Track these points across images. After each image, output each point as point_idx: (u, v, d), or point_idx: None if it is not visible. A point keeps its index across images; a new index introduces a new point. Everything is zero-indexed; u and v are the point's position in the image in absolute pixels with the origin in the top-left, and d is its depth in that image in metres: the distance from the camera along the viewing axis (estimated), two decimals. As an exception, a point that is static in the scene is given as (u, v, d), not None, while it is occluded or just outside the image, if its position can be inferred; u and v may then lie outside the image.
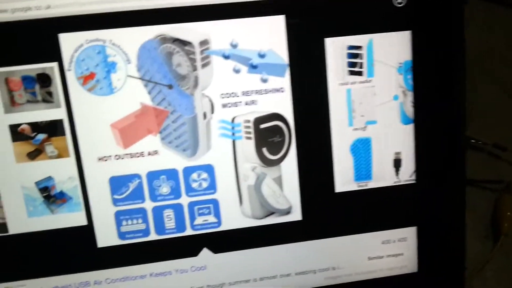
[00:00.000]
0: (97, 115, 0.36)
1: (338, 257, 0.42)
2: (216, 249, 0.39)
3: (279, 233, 0.40)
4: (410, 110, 0.40)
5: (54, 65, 0.35)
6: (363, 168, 0.40)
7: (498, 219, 0.53)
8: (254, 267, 0.40)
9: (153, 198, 0.38)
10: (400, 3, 0.38)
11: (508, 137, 0.62)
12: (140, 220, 0.38)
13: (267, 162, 0.38)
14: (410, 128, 0.40)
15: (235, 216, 0.39)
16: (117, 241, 0.38)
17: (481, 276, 0.51)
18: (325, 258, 0.41)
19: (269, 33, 0.37)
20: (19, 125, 0.35)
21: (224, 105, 0.37)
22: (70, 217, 0.37)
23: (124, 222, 0.38)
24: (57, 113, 0.35)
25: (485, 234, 0.54)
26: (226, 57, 0.36)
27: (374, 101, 0.39)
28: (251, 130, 0.38)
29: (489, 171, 0.60)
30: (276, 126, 0.38)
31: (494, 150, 0.60)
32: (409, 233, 0.42)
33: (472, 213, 0.56)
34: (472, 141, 0.58)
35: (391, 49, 0.39)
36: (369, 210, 0.41)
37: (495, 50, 0.68)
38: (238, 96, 0.37)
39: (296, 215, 0.40)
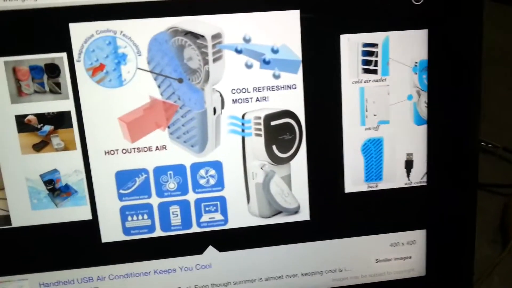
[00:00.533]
0: (105, 107, 0.36)
1: (345, 259, 0.42)
2: (221, 248, 0.40)
3: (286, 233, 0.40)
4: (423, 111, 0.40)
5: (63, 55, 0.35)
6: (373, 169, 0.41)
7: (507, 223, 0.54)
8: (260, 267, 0.41)
9: (160, 193, 0.38)
10: (418, 1, 0.38)
11: None
12: (145, 216, 0.38)
13: (276, 160, 0.39)
14: (423, 129, 0.41)
15: (242, 214, 0.40)
16: (122, 237, 0.38)
17: (489, 281, 0.52)
18: (332, 259, 0.42)
19: (283, 28, 0.37)
20: (25, 116, 0.35)
21: (235, 101, 0.38)
22: (75, 211, 0.37)
23: (129, 218, 0.38)
24: (65, 104, 0.36)
25: (494, 238, 0.55)
26: (239, 51, 0.37)
27: (387, 101, 0.40)
28: (261, 127, 0.38)
29: (498, 174, 0.61)
30: (287, 124, 0.39)
31: (504, 153, 0.61)
32: (418, 236, 0.43)
33: (481, 217, 0.56)
34: (483, 144, 0.59)
35: (407, 47, 0.39)
36: (379, 212, 0.42)
37: (507, 52, 0.69)
38: (249, 92, 0.38)
39: (304, 215, 0.41)
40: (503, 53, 0.67)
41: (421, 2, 0.38)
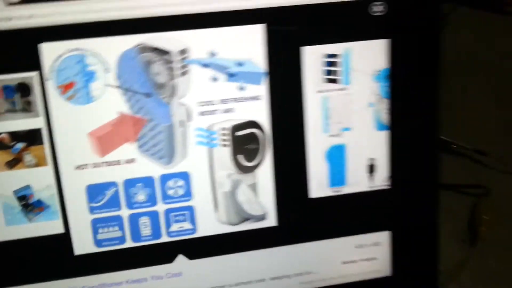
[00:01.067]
0: (75, 124, 0.42)
1: (312, 262, 0.48)
2: (191, 256, 0.46)
3: (254, 238, 0.47)
4: (385, 117, 0.49)
5: (35, 74, 0.41)
6: (337, 174, 0.49)
7: (476, 223, 0.61)
8: (230, 273, 0.47)
9: (129, 205, 0.45)
10: (375, 12, 0.47)
11: (490, 142, 0.74)
12: (116, 228, 0.46)
13: (242, 169, 0.47)
14: (384, 135, 0.48)
15: (210, 223, 0.46)
16: (94, 249, 0.44)
17: (457, 280, 0.57)
18: (299, 263, 0.48)
19: (248, 42, 0.44)
20: (-2, 134, 0.41)
21: (201, 113, 0.45)
22: (48, 225, 0.43)
23: (100, 230, 0.45)
24: (36, 122, 0.41)
25: (463, 238, 0.61)
26: (205, 65, 0.45)
27: (350, 108, 0.48)
28: (227, 137, 0.46)
29: (469, 176, 0.67)
30: (252, 134, 0.47)
31: (475, 155, 0.71)
32: (383, 238, 0.50)
33: (451, 217, 0.63)
34: (453, 146, 0.69)
35: (368, 57, 0.45)
36: (344, 215, 0.48)
37: (485, 57, 0.79)
38: (215, 104, 0.45)
39: (271, 221, 0.47)
40: (481, 58, 0.77)
41: (379, 13, 0.47)
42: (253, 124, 0.45)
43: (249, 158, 0.45)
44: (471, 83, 0.77)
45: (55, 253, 0.44)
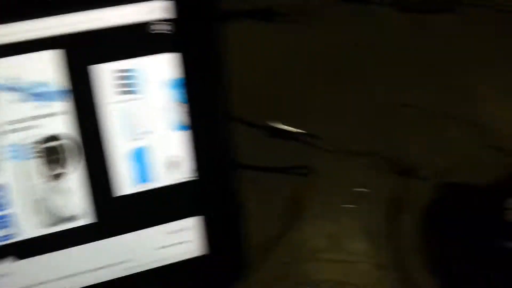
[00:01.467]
0: None
1: (132, 250, 0.59)
2: (19, 256, 0.56)
3: (75, 236, 0.57)
4: (183, 119, 0.64)
5: None
6: (144, 172, 0.59)
7: (297, 200, 0.76)
8: (58, 268, 0.57)
9: None
10: (160, 31, 0.62)
11: (319, 125, 0.89)
12: None
13: (54, 178, 0.61)
14: (184, 134, 0.60)
15: (32, 226, 0.55)
16: None
17: (275, 254, 0.70)
18: (120, 252, 0.59)
19: (49, 65, 0.54)
20: None
21: (11, 131, 0.58)
22: None
23: None
24: None
25: (285, 215, 0.74)
26: (9, 89, 0.58)
27: (149, 115, 0.57)
28: (37, 150, 0.59)
29: (297, 157, 0.83)
30: (60, 145, 0.59)
31: (305, 138, 0.87)
32: (195, 222, 0.61)
33: (275, 197, 0.78)
34: (286, 130, 0.85)
35: (162, 68, 0.56)
36: (154, 207, 0.59)
37: (338, 50, 0.96)
38: (23, 122, 0.58)
39: (88, 219, 0.57)
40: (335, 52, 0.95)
41: (164, 32, 0.61)
42: (59, 136, 0.58)
43: (60, 167, 0.59)
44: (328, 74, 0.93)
45: None
